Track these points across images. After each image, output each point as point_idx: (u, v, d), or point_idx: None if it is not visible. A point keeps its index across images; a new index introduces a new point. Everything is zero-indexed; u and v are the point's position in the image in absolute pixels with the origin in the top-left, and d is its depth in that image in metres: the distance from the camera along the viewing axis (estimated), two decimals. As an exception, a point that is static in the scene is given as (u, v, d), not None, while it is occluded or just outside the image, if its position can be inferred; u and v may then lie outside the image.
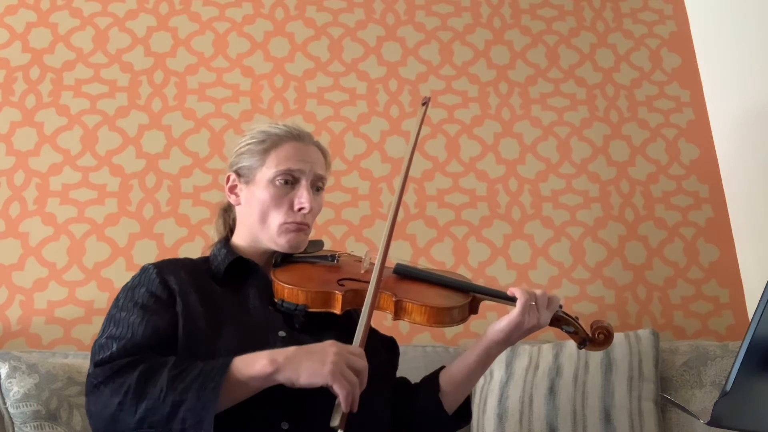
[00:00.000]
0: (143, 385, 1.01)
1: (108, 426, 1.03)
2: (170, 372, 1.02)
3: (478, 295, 1.29)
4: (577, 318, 1.31)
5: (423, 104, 1.47)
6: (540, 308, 1.24)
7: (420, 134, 1.42)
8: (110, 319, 1.16)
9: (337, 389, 1.00)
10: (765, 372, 0.98)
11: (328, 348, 1.03)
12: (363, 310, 1.14)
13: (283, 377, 1.03)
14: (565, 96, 2.38)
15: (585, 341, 1.30)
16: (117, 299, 1.20)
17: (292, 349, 1.04)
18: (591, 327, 1.30)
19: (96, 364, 1.07)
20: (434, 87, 2.34)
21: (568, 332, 1.30)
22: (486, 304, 1.34)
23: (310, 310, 1.19)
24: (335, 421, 1.00)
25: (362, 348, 1.08)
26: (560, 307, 1.30)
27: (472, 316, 1.31)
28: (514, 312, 1.23)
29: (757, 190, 2.15)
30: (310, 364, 1.01)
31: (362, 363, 1.04)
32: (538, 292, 1.26)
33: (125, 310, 1.16)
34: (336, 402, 1.01)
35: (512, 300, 1.25)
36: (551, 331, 2.10)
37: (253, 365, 1.03)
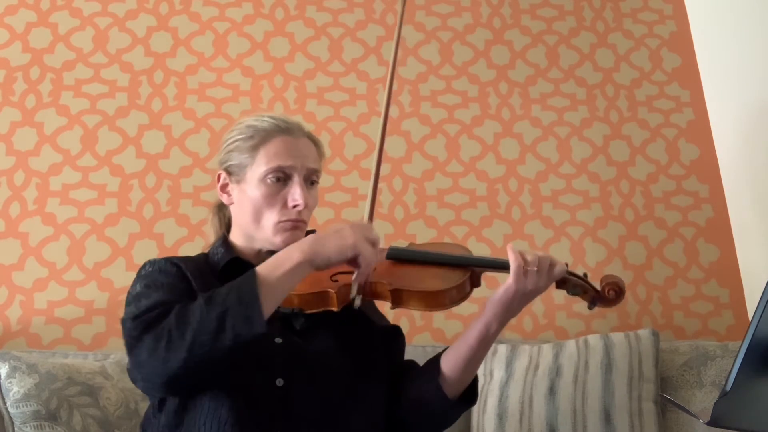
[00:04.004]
0: (182, 317, 1.02)
1: (160, 369, 1.01)
2: (203, 298, 1.04)
3: (477, 269, 1.23)
4: (586, 275, 1.22)
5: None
6: (540, 272, 1.16)
7: (400, 33, 1.45)
8: (137, 296, 1.13)
9: (361, 259, 1.10)
10: (765, 372, 0.98)
11: (343, 226, 1.12)
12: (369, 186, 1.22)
13: (318, 262, 1.08)
14: (565, 96, 2.38)
15: (595, 300, 1.21)
16: (134, 286, 1.17)
17: (310, 237, 1.11)
18: (601, 283, 1.21)
19: (133, 318, 1.06)
20: (434, 87, 2.34)
21: (575, 294, 1.21)
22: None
23: (307, 312, 1.16)
24: (354, 291, 1.12)
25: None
26: (566, 265, 1.20)
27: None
28: (509, 279, 1.17)
29: (757, 190, 2.15)
30: (335, 242, 1.09)
31: (375, 234, 1.14)
32: (539, 254, 1.18)
33: (148, 287, 1.14)
34: (353, 276, 1.12)
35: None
36: (551, 331, 2.11)
37: (284, 264, 1.07)
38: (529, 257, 1.17)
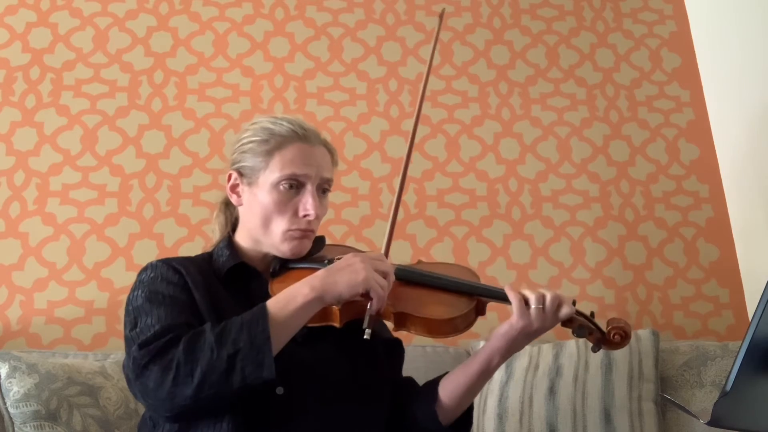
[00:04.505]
0: (191, 352, 1.01)
1: (167, 403, 1.01)
2: (213, 332, 1.03)
3: (483, 299, 1.22)
4: (593, 313, 1.23)
5: (439, 16, 1.43)
6: (547, 311, 1.16)
7: (434, 56, 1.44)
8: (138, 310, 1.12)
9: (372, 294, 1.09)
10: (765, 372, 0.98)
11: (353, 259, 1.11)
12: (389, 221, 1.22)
13: (328, 299, 1.09)
14: (565, 96, 2.38)
15: (600, 343, 1.21)
16: (136, 295, 1.16)
17: (320, 272, 1.11)
18: (607, 326, 1.21)
19: (140, 345, 1.04)
20: (434, 87, 2.34)
21: (580, 336, 1.20)
22: (492, 306, 1.26)
23: (309, 325, 1.13)
24: (365, 323, 1.08)
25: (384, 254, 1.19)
26: (573, 303, 1.20)
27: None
28: (513, 317, 1.16)
29: (758, 189, 2.15)
30: (346, 278, 1.09)
31: (387, 265, 1.14)
32: (547, 293, 1.17)
33: (152, 301, 1.13)
34: (368, 306, 1.10)
35: None
36: (551, 331, 2.10)
37: (294, 300, 1.07)
38: (533, 295, 1.16)
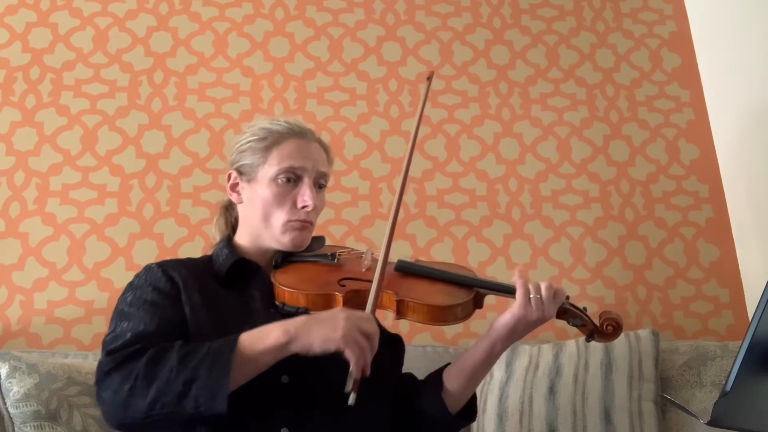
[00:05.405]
0: (153, 367, 1.01)
1: (119, 412, 1.02)
2: (178, 352, 1.03)
3: (481, 290, 1.27)
4: (585, 309, 1.29)
5: (427, 79, 1.46)
6: (545, 301, 1.20)
7: (423, 112, 1.42)
8: (119, 314, 1.15)
9: (348, 354, 1.02)
10: (765, 372, 0.98)
11: (338, 314, 1.06)
12: (373, 280, 1.16)
13: (297, 346, 1.04)
14: (565, 96, 2.38)
15: (593, 334, 1.27)
16: (124, 297, 1.19)
17: (301, 318, 1.06)
18: (599, 318, 1.27)
19: (108, 352, 1.07)
20: (434, 87, 2.34)
21: (575, 325, 1.27)
22: (489, 305, 1.31)
23: (312, 312, 1.15)
24: (348, 387, 1.02)
25: (373, 314, 1.12)
26: (567, 298, 1.26)
27: (473, 316, 1.29)
28: (515, 306, 1.21)
29: (757, 190, 2.15)
30: (323, 331, 1.03)
31: (373, 327, 1.07)
32: (542, 284, 1.22)
33: (134, 306, 1.15)
34: (350, 368, 1.03)
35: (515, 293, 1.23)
36: (551, 331, 2.11)
37: (266, 338, 1.04)
38: (532, 285, 1.22)
